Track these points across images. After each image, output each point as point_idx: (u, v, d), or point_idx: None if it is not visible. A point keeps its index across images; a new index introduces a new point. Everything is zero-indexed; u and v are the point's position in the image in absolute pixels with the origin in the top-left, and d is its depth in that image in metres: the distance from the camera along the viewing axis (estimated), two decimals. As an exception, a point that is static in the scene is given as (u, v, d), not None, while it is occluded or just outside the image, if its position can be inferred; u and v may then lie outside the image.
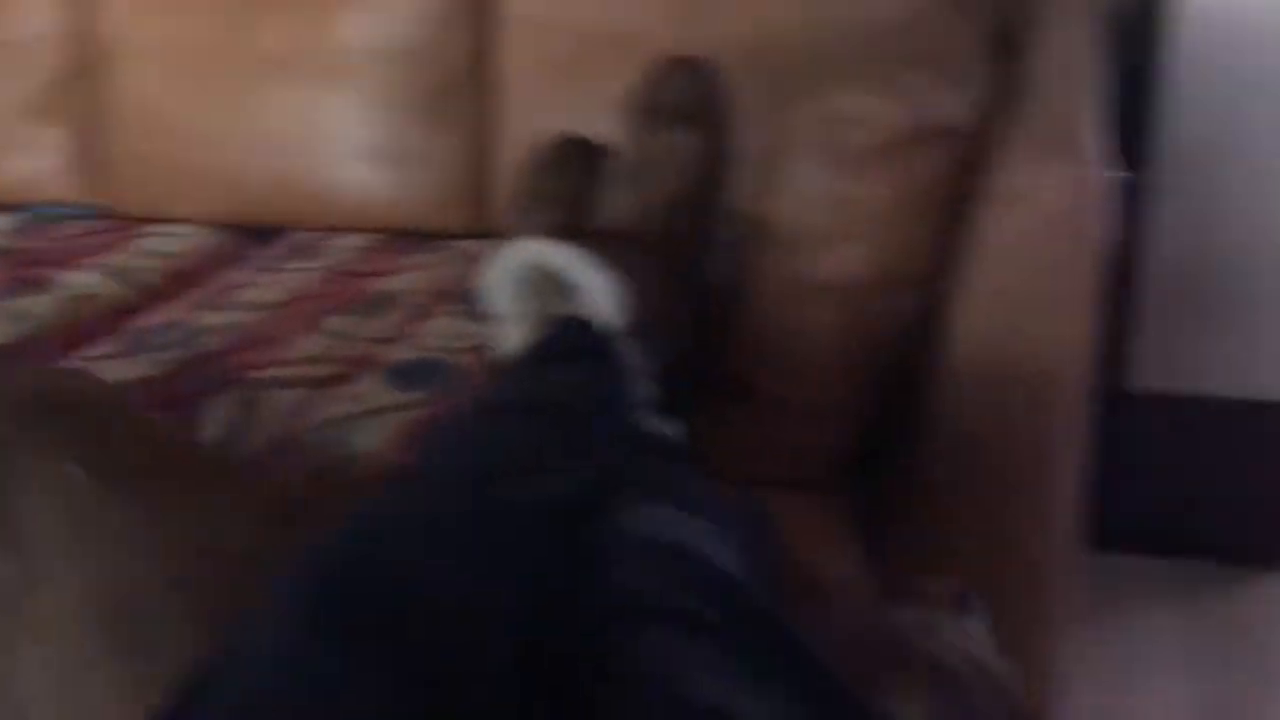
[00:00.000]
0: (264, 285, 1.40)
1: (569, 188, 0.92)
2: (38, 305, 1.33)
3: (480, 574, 0.54)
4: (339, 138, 1.55)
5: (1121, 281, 1.63)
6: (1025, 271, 0.87)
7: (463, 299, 1.26)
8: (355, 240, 1.55)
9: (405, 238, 1.54)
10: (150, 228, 1.61)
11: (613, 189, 0.90)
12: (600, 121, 1.06)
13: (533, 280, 0.85)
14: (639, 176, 0.90)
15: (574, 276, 0.83)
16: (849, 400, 1.03)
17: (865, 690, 0.63)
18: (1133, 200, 1.62)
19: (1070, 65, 1.10)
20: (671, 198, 0.90)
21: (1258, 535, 1.64)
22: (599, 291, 0.81)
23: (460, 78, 1.54)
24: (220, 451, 0.98)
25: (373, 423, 1.06)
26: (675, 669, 0.50)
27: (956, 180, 0.96)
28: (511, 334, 0.87)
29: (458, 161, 1.55)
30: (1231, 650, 1.51)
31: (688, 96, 0.99)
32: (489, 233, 1.46)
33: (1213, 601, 1.59)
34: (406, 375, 1.16)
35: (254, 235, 1.59)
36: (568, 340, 0.81)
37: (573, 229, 0.89)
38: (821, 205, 1.00)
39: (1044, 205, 0.85)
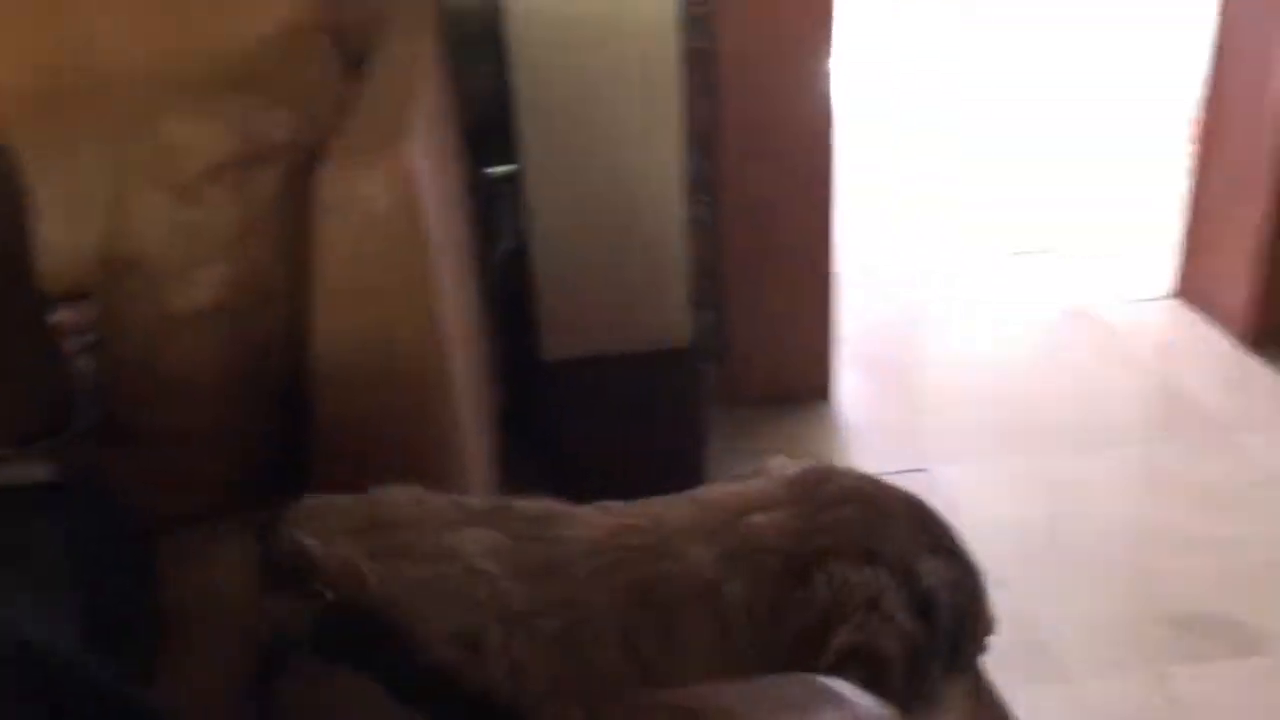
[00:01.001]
0: None
1: None
2: None
3: None
4: None
5: (518, 265, 1.79)
6: (361, 273, 0.94)
7: None
8: None
9: None
10: None
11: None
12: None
13: None
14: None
15: None
16: (238, 424, 1.05)
17: None
18: (513, 192, 1.78)
19: (400, 77, 1.18)
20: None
21: (674, 469, 1.88)
22: None
23: None
24: None
25: None
26: None
27: (296, 195, 1.01)
28: None
29: None
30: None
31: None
32: None
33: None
34: None
35: None
36: None
37: None
38: (170, 235, 1.00)
39: (365, 210, 0.92)
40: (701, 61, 1.85)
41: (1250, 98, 2.09)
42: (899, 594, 0.75)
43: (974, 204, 2.95)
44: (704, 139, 1.90)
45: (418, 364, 0.99)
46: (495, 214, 1.91)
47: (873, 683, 0.71)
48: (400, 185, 0.93)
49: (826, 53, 1.85)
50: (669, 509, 0.82)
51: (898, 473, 1.95)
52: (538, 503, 0.83)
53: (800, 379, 2.07)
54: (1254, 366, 2.15)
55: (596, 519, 0.81)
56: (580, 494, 0.87)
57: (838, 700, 0.50)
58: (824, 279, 2.00)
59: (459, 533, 0.77)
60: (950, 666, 0.80)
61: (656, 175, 1.69)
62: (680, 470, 1.88)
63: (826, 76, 1.88)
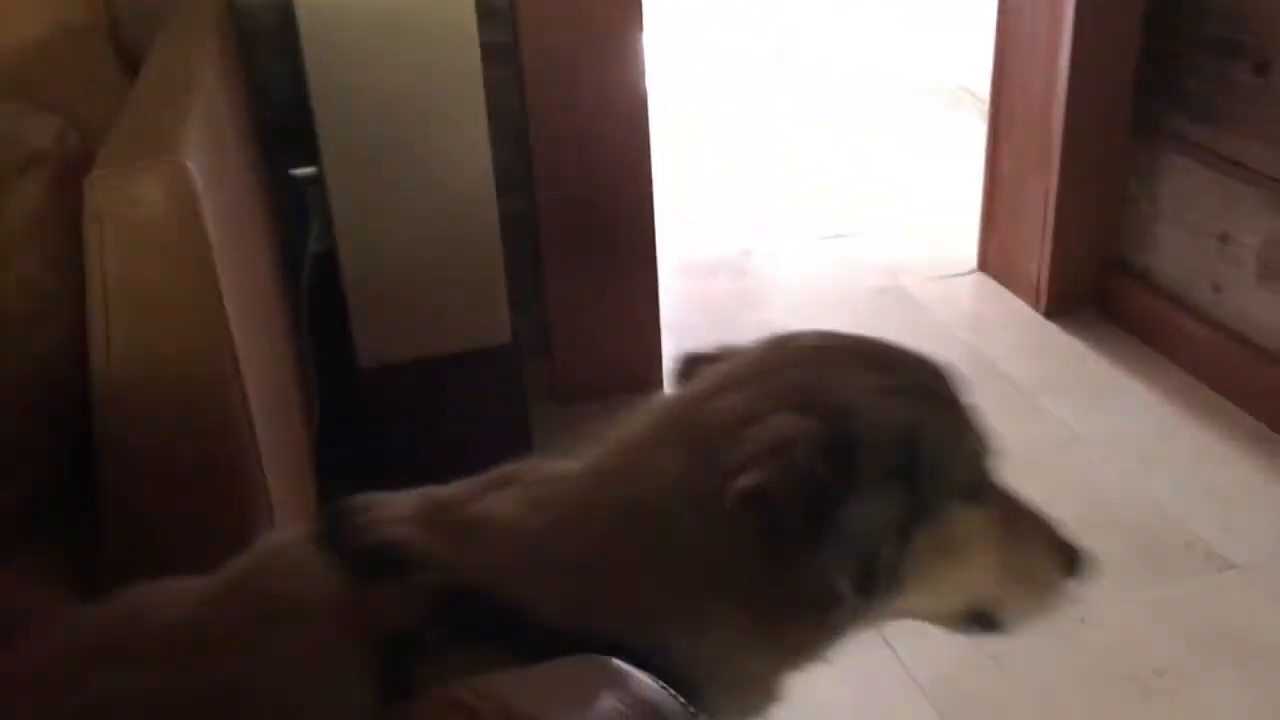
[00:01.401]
0: None
1: None
2: None
3: None
4: None
5: (330, 269, 1.74)
6: (138, 283, 0.89)
7: None
8: None
9: None
10: None
11: None
12: None
13: None
14: None
15: None
16: (14, 446, 0.98)
17: None
18: (319, 194, 1.73)
19: (177, 74, 1.13)
20: None
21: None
22: None
23: None
24: None
25: None
26: None
27: (69, 204, 0.95)
28: None
29: None
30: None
31: None
32: None
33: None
34: None
35: None
36: None
37: None
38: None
39: (138, 216, 0.87)
40: (504, 55, 1.83)
41: (1034, 79, 2.20)
42: (819, 437, 0.74)
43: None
44: (515, 133, 1.88)
45: (205, 376, 0.94)
46: (306, 216, 1.85)
47: (764, 523, 0.73)
48: (175, 188, 0.88)
49: (637, 39, 1.86)
50: (631, 423, 0.82)
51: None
52: (514, 463, 0.83)
53: (630, 371, 2.08)
54: (1052, 333, 2.27)
55: (569, 461, 0.82)
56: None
57: (619, 682, 0.50)
58: (649, 269, 2.01)
59: (490, 497, 0.77)
60: (937, 503, 0.79)
61: (465, 171, 1.67)
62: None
63: (638, 63, 1.88)
